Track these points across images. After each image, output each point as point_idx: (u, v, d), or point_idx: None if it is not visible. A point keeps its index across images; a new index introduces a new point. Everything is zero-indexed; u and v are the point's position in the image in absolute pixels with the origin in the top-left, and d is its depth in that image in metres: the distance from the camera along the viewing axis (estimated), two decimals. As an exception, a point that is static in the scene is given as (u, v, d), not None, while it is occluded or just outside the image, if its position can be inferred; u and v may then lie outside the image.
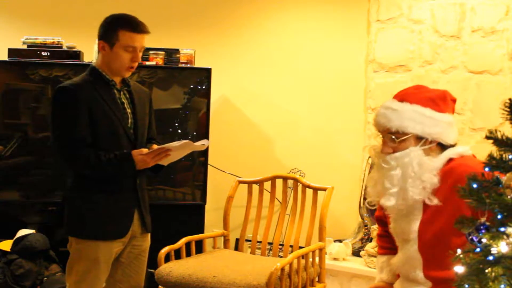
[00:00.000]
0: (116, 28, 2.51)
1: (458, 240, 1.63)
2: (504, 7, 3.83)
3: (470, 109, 3.94)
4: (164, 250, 2.86)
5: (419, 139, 2.11)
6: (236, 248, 3.57)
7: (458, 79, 3.97)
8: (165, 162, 2.60)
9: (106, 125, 2.51)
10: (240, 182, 3.33)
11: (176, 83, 4.07)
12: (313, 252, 2.93)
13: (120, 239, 2.56)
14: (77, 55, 3.94)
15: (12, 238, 3.74)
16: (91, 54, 3.96)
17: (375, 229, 3.59)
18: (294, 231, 3.17)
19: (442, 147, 2.14)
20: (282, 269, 2.63)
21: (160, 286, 2.85)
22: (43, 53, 3.91)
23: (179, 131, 4.06)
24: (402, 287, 2.20)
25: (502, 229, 1.43)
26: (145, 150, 2.51)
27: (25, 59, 3.89)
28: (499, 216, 1.43)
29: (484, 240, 1.46)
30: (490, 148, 1.49)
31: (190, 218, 3.97)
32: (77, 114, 2.47)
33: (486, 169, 1.48)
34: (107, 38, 2.52)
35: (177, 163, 3.44)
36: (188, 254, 3.01)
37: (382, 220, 2.37)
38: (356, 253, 3.88)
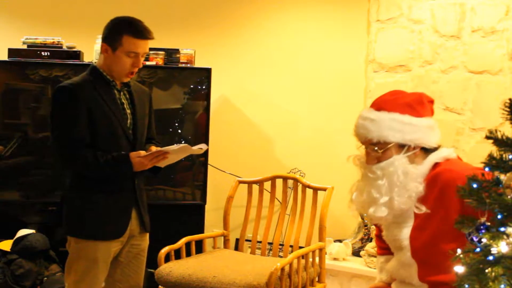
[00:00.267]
0: (120, 32, 2.50)
1: (450, 246, 1.63)
2: (504, 7, 3.83)
3: (470, 109, 3.93)
4: (164, 250, 2.86)
5: (401, 146, 2.09)
6: (236, 248, 3.57)
7: (458, 79, 3.97)
8: (162, 164, 2.60)
9: (105, 125, 2.51)
10: (240, 182, 3.33)
11: (176, 83, 4.07)
12: (313, 252, 2.93)
13: (118, 238, 2.56)
14: (77, 55, 3.94)
15: (12, 238, 3.74)
16: (91, 54, 3.96)
17: (374, 229, 3.59)
18: (294, 231, 3.17)
19: (426, 151, 2.12)
20: (282, 269, 2.63)
21: (160, 286, 2.85)
22: (43, 53, 3.91)
23: (179, 131, 4.06)
24: None
25: (502, 229, 1.43)
26: (143, 153, 2.51)
27: (25, 59, 3.89)
28: (499, 216, 1.43)
29: (484, 240, 1.46)
30: (490, 148, 1.49)
31: (190, 218, 3.97)
32: (77, 114, 2.47)
33: (487, 169, 1.48)
34: (110, 42, 2.52)
35: (177, 163, 3.44)
36: (188, 254, 3.01)
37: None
38: (356, 253, 3.88)
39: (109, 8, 4.24)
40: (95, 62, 2.64)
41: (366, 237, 3.92)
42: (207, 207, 4.07)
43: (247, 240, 3.55)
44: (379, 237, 2.38)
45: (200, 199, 4.04)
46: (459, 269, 1.49)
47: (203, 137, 3.98)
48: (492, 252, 1.42)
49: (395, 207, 2.06)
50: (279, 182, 3.29)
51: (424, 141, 2.11)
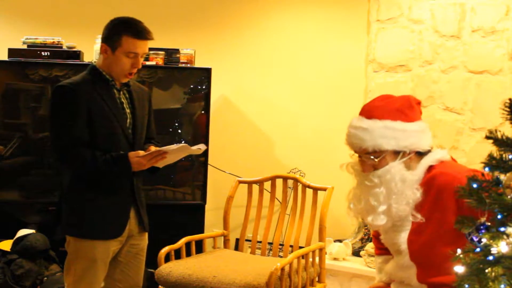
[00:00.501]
0: (119, 33, 2.50)
1: (448, 248, 1.63)
2: (504, 7, 3.83)
3: (470, 109, 3.93)
4: (164, 250, 2.86)
5: (396, 153, 2.08)
6: (236, 248, 3.57)
7: (458, 79, 3.96)
8: (160, 164, 2.60)
9: (104, 124, 2.51)
10: (240, 182, 3.33)
11: (176, 83, 4.07)
12: (313, 252, 2.93)
13: (117, 238, 2.56)
14: (77, 55, 3.94)
15: (12, 238, 3.74)
16: (91, 54, 3.96)
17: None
18: (294, 231, 3.17)
19: (420, 154, 2.12)
20: (282, 269, 2.63)
21: (160, 286, 2.85)
22: (43, 53, 3.91)
23: (179, 131, 4.06)
24: None
25: (502, 229, 1.43)
26: (141, 152, 2.51)
27: (25, 59, 3.89)
28: (499, 216, 1.43)
29: (484, 240, 1.46)
30: (490, 148, 1.49)
31: (190, 218, 3.97)
32: (75, 113, 2.47)
33: (486, 169, 1.48)
34: (110, 42, 2.52)
35: (177, 163, 3.44)
36: (188, 254, 3.01)
37: None
38: (356, 253, 3.88)
39: (109, 8, 4.24)
40: (95, 62, 2.64)
41: (366, 237, 3.92)
42: (207, 207, 4.07)
43: (247, 240, 3.55)
44: (376, 238, 2.38)
45: (200, 199, 4.04)
46: (459, 269, 1.49)
47: (203, 137, 3.98)
48: (492, 252, 1.42)
49: (393, 214, 2.06)
50: (279, 182, 3.29)
51: (418, 145, 2.10)
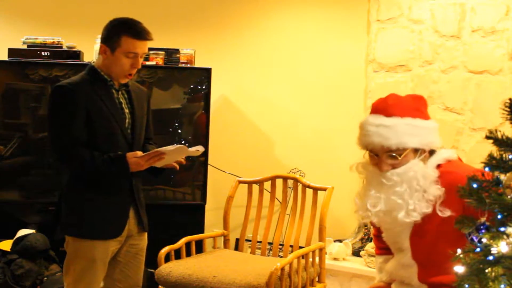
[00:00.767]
0: (119, 33, 2.50)
1: (451, 248, 1.63)
2: (504, 7, 3.83)
3: (470, 109, 3.93)
4: (164, 250, 2.86)
5: (416, 151, 2.07)
6: (236, 248, 3.57)
7: (458, 79, 3.96)
8: (158, 165, 2.59)
9: (103, 125, 2.51)
10: (240, 182, 3.33)
11: (176, 83, 4.07)
12: (313, 252, 2.93)
13: (116, 238, 2.56)
14: (77, 55, 3.94)
15: (12, 238, 3.74)
16: (91, 54, 3.96)
17: (373, 229, 3.59)
18: (294, 231, 3.17)
19: (430, 152, 2.12)
20: (282, 269, 2.63)
21: (160, 286, 2.85)
22: (43, 53, 3.91)
23: (179, 131, 4.06)
24: None
25: (502, 229, 1.43)
26: (139, 153, 2.51)
27: (25, 59, 3.89)
28: (499, 216, 1.44)
29: (484, 240, 1.46)
30: (490, 148, 1.49)
31: (190, 218, 3.97)
32: (74, 113, 2.46)
33: (487, 169, 1.48)
34: (109, 43, 2.51)
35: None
36: (188, 254, 3.01)
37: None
38: (356, 253, 3.88)
39: (109, 8, 4.24)
40: (93, 62, 2.64)
41: (366, 237, 3.92)
42: (207, 207, 4.07)
43: (247, 240, 3.55)
44: (377, 237, 2.38)
45: (200, 199, 4.04)
46: (459, 269, 1.49)
47: (203, 137, 3.98)
48: (492, 252, 1.42)
49: (417, 212, 2.04)
50: (279, 182, 3.29)
51: (435, 144, 2.11)
